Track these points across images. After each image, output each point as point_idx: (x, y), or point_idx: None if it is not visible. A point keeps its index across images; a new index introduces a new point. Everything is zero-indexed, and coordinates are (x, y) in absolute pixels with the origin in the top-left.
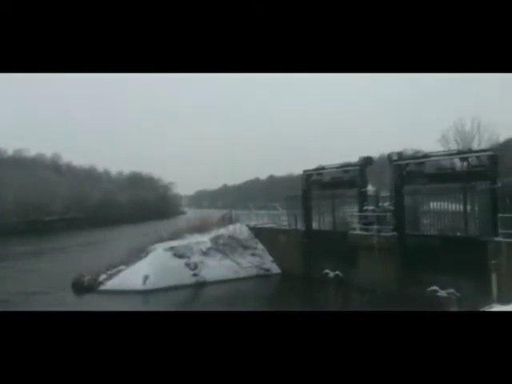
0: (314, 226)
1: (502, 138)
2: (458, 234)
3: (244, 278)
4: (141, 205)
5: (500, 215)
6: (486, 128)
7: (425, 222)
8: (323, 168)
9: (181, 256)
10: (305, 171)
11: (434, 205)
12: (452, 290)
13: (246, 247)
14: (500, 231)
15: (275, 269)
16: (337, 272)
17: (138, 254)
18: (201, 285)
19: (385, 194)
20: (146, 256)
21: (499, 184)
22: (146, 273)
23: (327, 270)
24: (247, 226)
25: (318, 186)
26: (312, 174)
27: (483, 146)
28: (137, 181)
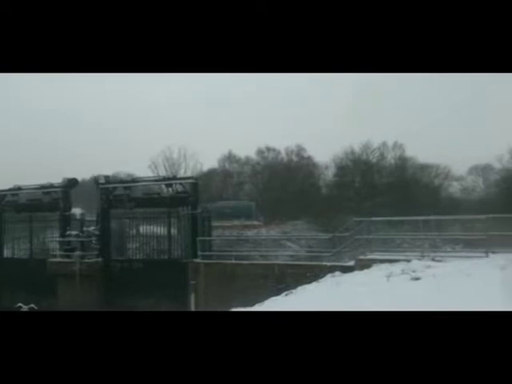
0: (7, 253)
1: (205, 167)
2: (164, 257)
3: None
4: None
5: (199, 238)
6: (192, 157)
7: (132, 246)
8: (19, 188)
9: None
10: None
11: (142, 229)
12: None
13: None
14: (199, 253)
15: None
16: (31, 305)
17: None
18: None
19: (92, 217)
20: None
21: (199, 209)
22: None
23: (20, 304)
24: None
25: (13, 209)
26: (5, 195)
27: (189, 173)
28: None
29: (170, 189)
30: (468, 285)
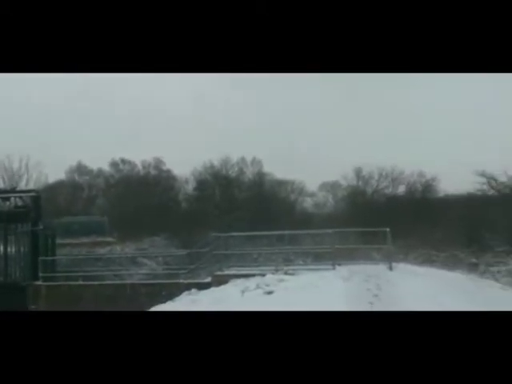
0: None
1: (51, 179)
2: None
3: None
4: None
5: (41, 258)
6: (35, 167)
7: None
8: None
9: None
10: None
11: None
12: None
13: None
14: (40, 274)
15: None
16: None
17: None
18: None
19: None
20: None
21: (41, 226)
22: None
23: None
24: None
25: None
26: None
27: (31, 185)
28: None
29: (8, 202)
30: (316, 296)
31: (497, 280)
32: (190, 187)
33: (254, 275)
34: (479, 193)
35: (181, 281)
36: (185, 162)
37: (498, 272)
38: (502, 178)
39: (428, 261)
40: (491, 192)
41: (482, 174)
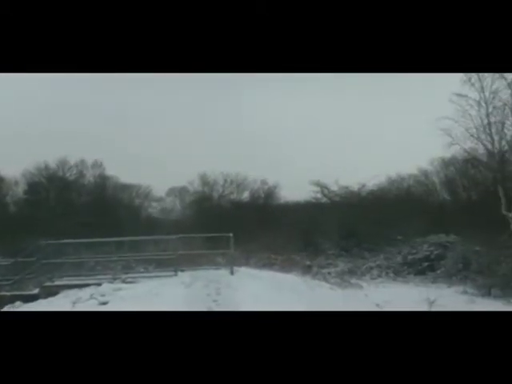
0: None
1: None
2: None
3: None
4: None
5: None
6: None
7: None
8: None
9: None
10: None
11: None
12: None
13: None
14: None
15: None
16: None
17: None
18: None
19: None
20: None
21: None
22: None
23: None
24: None
25: None
26: None
27: None
28: None
29: None
30: (155, 304)
31: (327, 281)
32: (19, 189)
33: (89, 285)
34: (314, 200)
35: (3, 293)
36: (14, 162)
37: (329, 273)
38: (334, 188)
39: (268, 264)
40: (324, 200)
41: (317, 184)
